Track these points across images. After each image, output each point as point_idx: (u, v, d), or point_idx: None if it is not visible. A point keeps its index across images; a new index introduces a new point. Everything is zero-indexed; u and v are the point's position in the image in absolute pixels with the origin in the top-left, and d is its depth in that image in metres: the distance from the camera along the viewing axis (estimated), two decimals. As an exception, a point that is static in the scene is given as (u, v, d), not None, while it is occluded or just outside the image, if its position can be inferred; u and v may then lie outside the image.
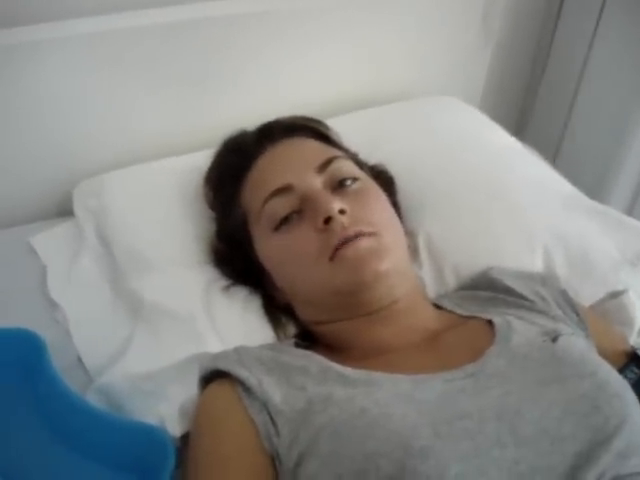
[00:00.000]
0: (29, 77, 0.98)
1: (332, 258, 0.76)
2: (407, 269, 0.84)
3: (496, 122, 1.24)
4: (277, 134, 0.90)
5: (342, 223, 0.76)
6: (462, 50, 1.37)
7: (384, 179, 0.95)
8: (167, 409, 0.79)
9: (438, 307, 0.87)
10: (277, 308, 0.89)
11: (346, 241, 0.75)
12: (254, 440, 0.68)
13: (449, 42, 1.34)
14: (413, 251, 0.94)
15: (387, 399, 0.65)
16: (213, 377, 0.76)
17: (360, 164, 0.91)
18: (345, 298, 0.78)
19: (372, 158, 0.97)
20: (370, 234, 0.77)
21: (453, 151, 1.08)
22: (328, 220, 0.76)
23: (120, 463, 0.75)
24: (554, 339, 0.72)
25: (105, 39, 1.01)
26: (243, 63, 1.13)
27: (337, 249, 0.75)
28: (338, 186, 0.82)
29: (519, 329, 0.75)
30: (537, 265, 0.94)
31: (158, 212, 0.98)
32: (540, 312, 0.81)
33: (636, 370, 0.77)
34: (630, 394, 0.67)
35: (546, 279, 0.89)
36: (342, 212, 0.77)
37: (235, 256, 0.90)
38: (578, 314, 0.82)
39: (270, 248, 0.84)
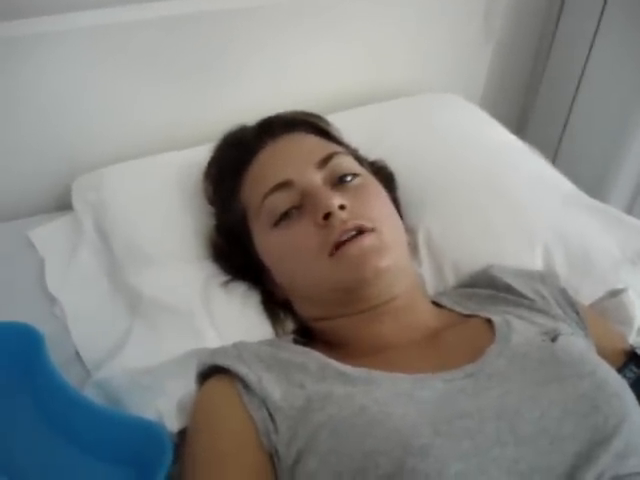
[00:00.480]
0: (30, 70, 0.98)
1: (332, 254, 0.76)
2: (407, 266, 0.84)
3: (496, 120, 1.23)
4: (277, 129, 0.89)
5: (342, 219, 0.76)
6: (463, 48, 1.37)
7: (384, 175, 0.95)
8: (165, 404, 0.79)
9: (437, 305, 0.87)
10: (276, 304, 0.88)
11: (347, 236, 0.75)
12: (253, 437, 0.67)
13: (451, 40, 1.34)
14: (413, 248, 0.94)
15: (387, 398, 0.65)
16: (211, 373, 0.76)
17: (360, 160, 0.91)
18: (344, 294, 0.78)
19: (372, 154, 0.97)
20: (370, 229, 0.76)
21: (453, 148, 1.08)
22: (328, 216, 0.76)
23: (118, 457, 0.75)
24: (554, 339, 0.72)
25: (107, 32, 1.00)
26: (245, 57, 1.13)
27: (339, 245, 0.75)
28: (338, 182, 0.82)
29: (519, 328, 0.75)
30: (537, 263, 0.94)
31: (157, 207, 0.98)
32: (540, 311, 0.81)
33: (635, 369, 0.77)
34: (629, 394, 0.68)
35: (546, 277, 0.89)
36: (342, 208, 0.77)
37: (234, 251, 0.90)
38: (578, 313, 0.83)
39: (269, 243, 0.84)
